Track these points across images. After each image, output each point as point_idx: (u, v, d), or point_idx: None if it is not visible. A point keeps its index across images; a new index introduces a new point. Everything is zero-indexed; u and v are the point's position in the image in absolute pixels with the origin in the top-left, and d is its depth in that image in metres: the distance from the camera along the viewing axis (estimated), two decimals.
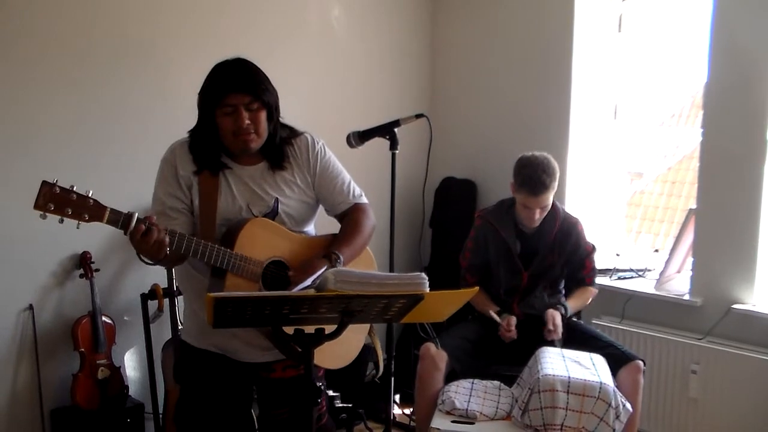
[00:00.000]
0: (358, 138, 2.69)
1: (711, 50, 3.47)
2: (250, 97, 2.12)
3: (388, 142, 2.63)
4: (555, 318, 3.13)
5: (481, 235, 3.32)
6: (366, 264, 2.40)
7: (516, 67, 4.19)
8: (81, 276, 3.19)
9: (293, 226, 2.28)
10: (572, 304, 3.27)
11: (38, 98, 3.05)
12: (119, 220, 1.90)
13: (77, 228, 1.89)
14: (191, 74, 3.47)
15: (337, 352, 2.28)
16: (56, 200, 1.82)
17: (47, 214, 1.81)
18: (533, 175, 3.07)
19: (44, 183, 1.81)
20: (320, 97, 4.00)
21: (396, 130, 2.63)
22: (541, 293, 3.29)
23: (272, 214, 2.24)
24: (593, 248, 3.35)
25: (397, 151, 2.62)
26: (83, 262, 3.18)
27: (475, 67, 4.39)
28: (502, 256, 3.26)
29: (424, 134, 2.82)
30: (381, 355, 2.59)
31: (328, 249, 2.23)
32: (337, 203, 2.38)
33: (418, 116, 2.70)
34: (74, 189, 1.85)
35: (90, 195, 1.87)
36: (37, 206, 1.80)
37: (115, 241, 3.31)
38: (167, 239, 1.95)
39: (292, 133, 2.32)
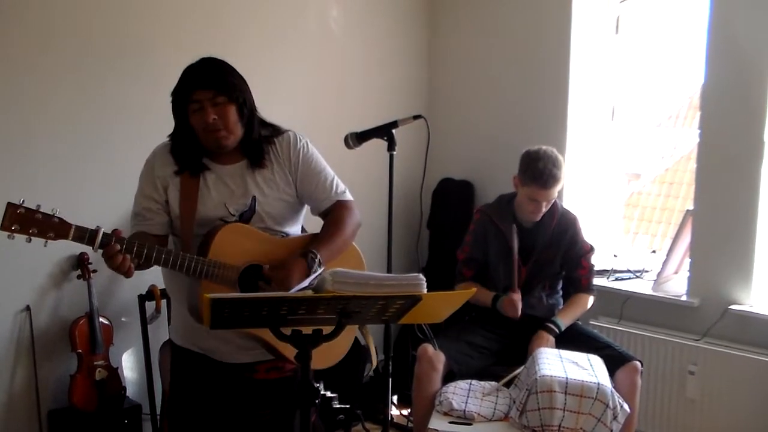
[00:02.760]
0: (356, 139, 2.69)
1: (708, 51, 3.47)
2: (213, 92, 2.12)
3: (385, 144, 2.62)
4: (545, 343, 3.12)
5: (481, 230, 3.33)
6: (354, 262, 2.35)
7: (514, 68, 4.20)
8: (78, 277, 3.18)
9: (273, 225, 2.26)
10: (566, 319, 3.25)
11: (35, 99, 3.05)
12: (85, 236, 1.93)
13: (44, 246, 1.92)
14: None
15: (324, 351, 2.28)
16: (21, 221, 1.86)
17: (14, 234, 1.86)
18: (544, 169, 3.09)
19: (9, 204, 1.86)
20: (318, 97, 4.00)
21: (394, 131, 2.62)
22: (540, 293, 3.29)
23: (249, 212, 2.22)
24: (591, 248, 3.35)
25: (394, 153, 2.62)
26: (81, 263, 3.17)
27: (473, 68, 4.39)
28: (500, 251, 3.27)
29: (422, 135, 2.82)
30: (373, 350, 2.56)
31: (306, 248, 2.20)
32: (320, 200, 2.34)
33: (416, 117, 2.70)
34: (40, 209, 1.89)
35: (56, 213, 1.91)
36: (2, 228, 1.85)
37: None
38: (131, 264, 1.98)
39: (275, 131, 2.31)
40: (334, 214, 2.33)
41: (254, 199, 2.23)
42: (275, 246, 2.24)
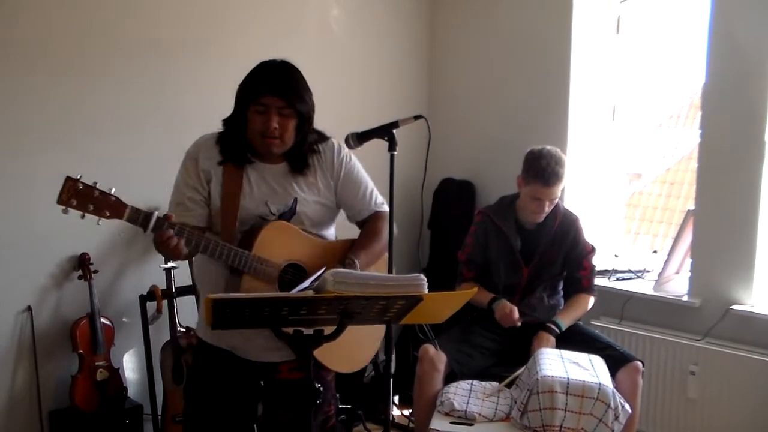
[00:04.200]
0: (357, 139, 2.68)
1: (709, 51, 3.47)
2: (284, 102, 2.15)
3: (386, 144, 2.61)
4: (546, 343, 3.13)
5: (482, 231, 3.33)
6: (382, 270, 2.40)
7: (514, 68, 4.20)
8: (80, 277, 3.18)
9: (311, 228, 2.30)
10: (567, 319, 3.25)
11: (33, 100, 3.04)
12: (138, 218, 1.94)
13: (97, 224, 1.91)
14: (189, 74, 3.48)
15: (350, 355, 2.30)
16: (79, 196, 1.85)
17: (69, 209, 1.84)
18: (547, 167, 3.11)
19: (68, 179, 1.84)
20: (318, 97, 3.93)
21: (394, 131, 2.62)
22: (541, 294, 3.29)
23: (290, 213, 2.25)
24: (593, 249, 3.35)
25: (395, 153, 2.61)
26: (82, 264, 3.17)
27: (474, 68, 4.39)
28: (502, 252, 3.27)
29: (423, 135, 2.81)
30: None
31: (345, 255, 2.26)
32: (358, 210, 2.40)
33: (417, 117, 2.70)
34: (97, 185, 1.89)
35: (112, 192, 1.91)
36: (60, 201, 1.83)
37: (114, 243, 3.31)
38: (184, 247, 2.00)
39: (320, 137, 2.36)
40: (372, 223, 2.40)
41: (296, 200, 2.26)
42: (315, 247, 2.28)
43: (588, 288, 3.34)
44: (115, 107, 3.25)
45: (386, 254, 2.38)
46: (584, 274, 3.33)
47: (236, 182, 2.21)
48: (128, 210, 1.92)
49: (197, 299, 3.31)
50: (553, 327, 3.19)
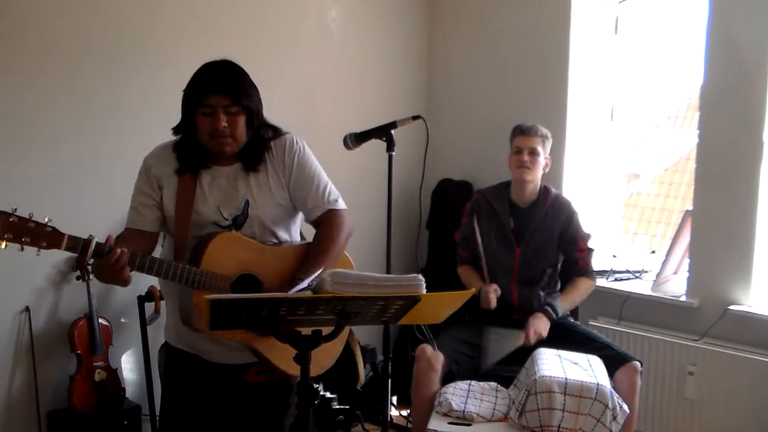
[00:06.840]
0: (355, 140, 2.69)
1: (707, 51, 3.48)
2: (230, 100, 2.11)
3: (384, 144, 2.63)
4: (538, 327, 3.13)
5: (476, 207, 3.43)
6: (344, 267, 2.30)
7: (513, 69, 4.20)
8: (78, 278, 3.18)
9: (262, 230, 2.23)
10: (565, 303, 3.27)
11: (33, 104, 3.04)
12: (78, 246, 1.92)
13: (37, 255, 1.90)
14: (187, 75, 3.47)
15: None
16: (14, 229, 1.85)
17: (6, 243, 1.85)
18: (527, 123, 3.36)
19: (0, 213, 1.84)
20: (317, 98, 4.00)
21: (393, 131, 2.63)
22: (538, 292, 3.30)
23: (243, 216, 2.20)
24: (588, 234, 3.39)
25: (393, 153, 2.62)
26: (80, 265, 3.17)
27: (472, 68, 4.39)
28: (493, 230, 3.34)
29: (421, 136, 2.82)
30: (361, 367, 2.53)
31: (297, 273, 2.16)
32: (311, 208, 2.29)
33: (415, 118, 2.71)
34: (32, 218, 1.88)
35: (49, 222, 1.90)
36: None
37: None
38: (127, 269, 1.98)
39: (275, 133, 2.28)
40: (324, 228, 2.28)
41: (247, 203, 2.20)
42: (267, 256, 2.21)
43: (586, 270, 3.34)
44: (110, 113, 3.24)
45: (345, 255, 2.33)
46: (581, 256, 3.34)
47: (189, 190, 2.17)
48: (65, 239, 1.91)
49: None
50: (549, 310, 3.19)
